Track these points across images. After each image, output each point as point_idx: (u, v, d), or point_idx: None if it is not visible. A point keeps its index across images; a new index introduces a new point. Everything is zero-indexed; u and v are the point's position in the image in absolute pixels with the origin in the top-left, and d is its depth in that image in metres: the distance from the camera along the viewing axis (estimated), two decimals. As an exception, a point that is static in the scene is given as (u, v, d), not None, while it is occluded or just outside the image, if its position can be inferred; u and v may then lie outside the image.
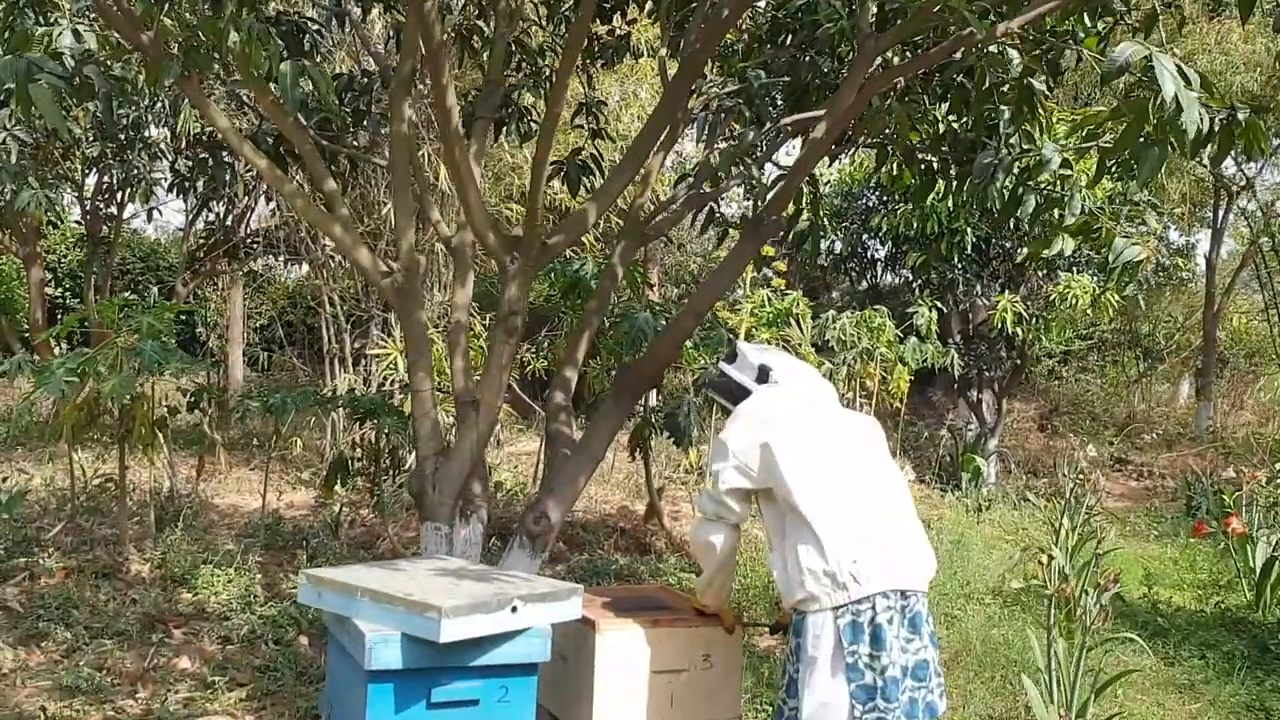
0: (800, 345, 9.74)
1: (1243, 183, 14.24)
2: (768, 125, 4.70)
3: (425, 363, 3.95)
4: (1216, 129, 3.60)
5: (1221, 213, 15.20)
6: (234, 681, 4.48)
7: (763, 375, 3.28)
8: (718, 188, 5.11)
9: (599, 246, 10.85)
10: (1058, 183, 4.63)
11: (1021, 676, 4.26)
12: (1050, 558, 4.18)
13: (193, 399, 6.27)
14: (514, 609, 2.96)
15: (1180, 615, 6.37)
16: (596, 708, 3.17)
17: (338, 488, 6.88)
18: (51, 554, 5.57)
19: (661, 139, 4.78)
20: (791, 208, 4.82)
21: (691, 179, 4.93)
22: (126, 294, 13.14)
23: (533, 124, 5.24)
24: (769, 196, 4.26)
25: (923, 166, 5.06)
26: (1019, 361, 11.27)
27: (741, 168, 4.29)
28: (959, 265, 10.47)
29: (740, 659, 3.41)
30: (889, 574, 2.87)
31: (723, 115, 5.05)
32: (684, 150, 10.39)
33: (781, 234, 5.37)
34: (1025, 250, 8.39)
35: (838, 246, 12.15)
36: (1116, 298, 9.64)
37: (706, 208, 5.25)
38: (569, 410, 4.55)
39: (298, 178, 6.73)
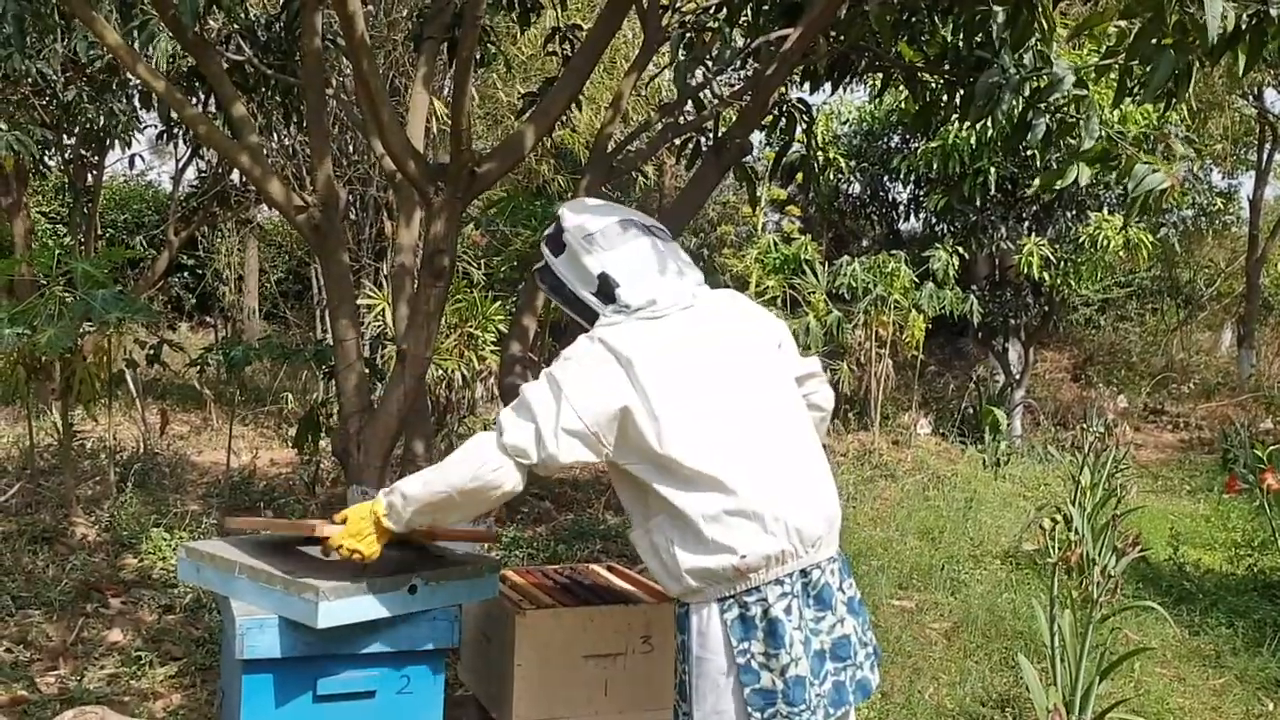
0: (814, 293, 9.29)
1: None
2: (748, 42, 4.23)
3: (348, 309, 3.55)
4: (1244, 28, 3.11)
5: (1267, 151, 14.47)
6: (167, 655, 4.15)
7: (606, 291, 2.41)
8: (701, 115, 4.65)
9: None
10: (1072, 105, 4.13)
11: (1018, 655, 3.83)
12: (1054, 521, 3.73)
13: (152, 352, 5.93)
14: (412, 589, 2.57)
15: (1209, 578, 5.91)
16: (516, 697, 2.78)
17: (322, 444, 6.57)
18: (-7, 517, 5.29)
19: (634, 58, 4.33)
20: (761, 128, 4.33)
21: (670, 104, 4.49)
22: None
23: (490, 45, 4.78)
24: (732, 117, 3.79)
25: (926, 91, 4.58)
26: (1048, 309, 10.71)
27: (706, 83, 3.82)
28: (983, 207, 9.88)
29: (688, 641, 2.99)
30: (783, 558, 2.27)
31: (704, 34, 4.57)
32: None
33: (774, 169, 4.92)
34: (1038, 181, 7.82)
35: (856, 189, 11.61)
36: (1150, 239, 9.07)
37: (694, 140, 4.80)
38: (525, 362, 4.14)
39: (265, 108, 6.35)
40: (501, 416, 2.33)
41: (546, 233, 2.56)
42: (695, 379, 2.34)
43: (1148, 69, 3.20)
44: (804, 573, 2.31)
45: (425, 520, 2.41)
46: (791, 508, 2.29)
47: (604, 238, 2.45)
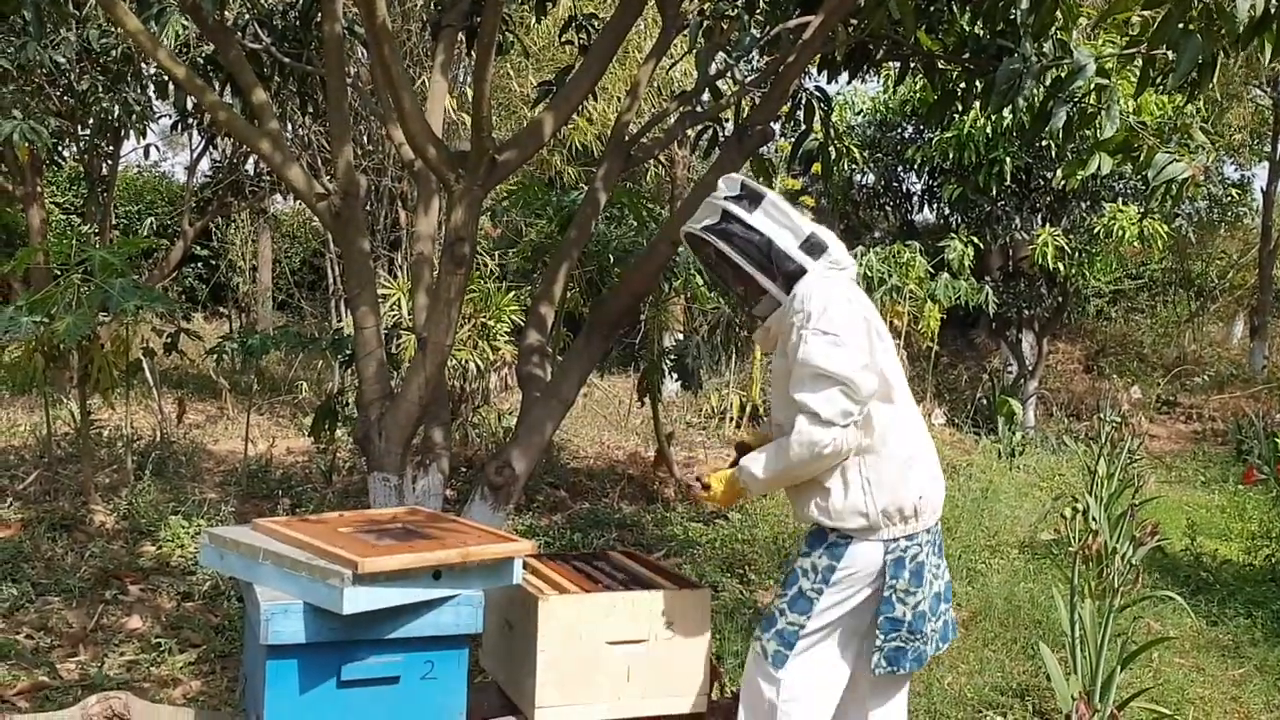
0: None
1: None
2: (766, 29, 4.21)
3: (368, 297, 3.55)
4: (1273, 13, 3.09)
5: (1282, 143, 14.40)
6: (186, 642, 4.16)
7: (814, 248, 2.61)
8: (718, 104, 4.63)
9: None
10: (1093, 94, 4.10)
11: (1039, 644, 3.82)
12: (1075, 510, 3.72)
13: (169, 341, 5.93)
14: (436, 574, 2.58)
15: (1226, 569, 5.89)
16: (539, 683, 2.78)
17: (338, 433, 6.57)
18: (12, 504, 5.29)
19: (652, 46, 4.32)
20: (776, 117, 4.32)
21: (687, 92, 4.47)
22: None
23: (509, 33, 4.76)
24: (752, 105, 3.78)
25: (945, 80, 4.55)
26: (1061, 300, 10.67)
27: (727, 71, 3.80)
28: (998, 197, 9.83)
29: (709, 625, 2.99)
30: (938, 508, 2.71)
31: (722, 22, 4.55)
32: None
33: (792, 157, 4.91)
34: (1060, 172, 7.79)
35: (870, 179, 11.57)
36: (1164, 229, 9.02)
37: (710, 129, 4.78)
38: (543, 351, 4.16)
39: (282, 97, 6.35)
40: (804, 402, 2.50)
41: (731, 192, 2.68)
42: (886, 335, 2.69)
43: (1172, 57, 3.18)
44: (932, 527, 2.71)
45: (766, 489, 2.75)
46: (936, 468, 2.73)
47: (790, 206, 2.70)
